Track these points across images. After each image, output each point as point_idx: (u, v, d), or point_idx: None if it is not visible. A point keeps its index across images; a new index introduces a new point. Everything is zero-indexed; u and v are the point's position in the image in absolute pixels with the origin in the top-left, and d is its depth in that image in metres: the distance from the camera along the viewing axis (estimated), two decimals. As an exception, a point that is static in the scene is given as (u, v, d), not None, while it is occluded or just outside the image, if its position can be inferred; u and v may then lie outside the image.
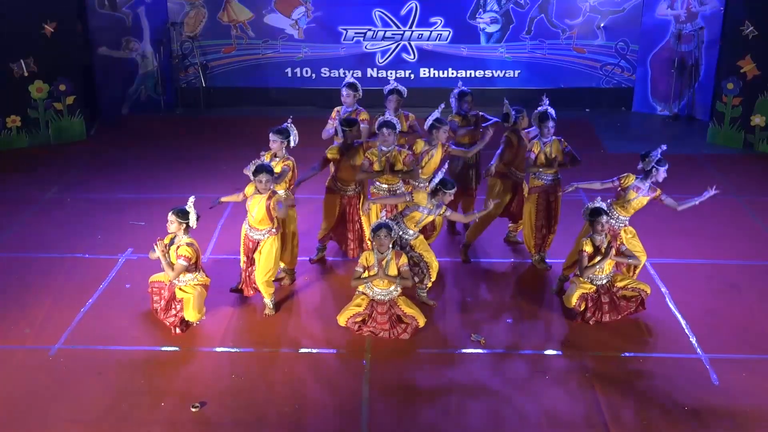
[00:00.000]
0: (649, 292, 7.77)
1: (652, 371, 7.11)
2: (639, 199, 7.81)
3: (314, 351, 7.39)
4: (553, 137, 8.40)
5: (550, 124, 8.32)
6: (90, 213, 10.22)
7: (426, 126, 8.47)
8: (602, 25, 14.20)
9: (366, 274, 7.34)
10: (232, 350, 7.40)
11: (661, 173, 7.76)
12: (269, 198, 7.46)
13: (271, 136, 8.00)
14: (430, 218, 7.85)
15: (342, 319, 7.50)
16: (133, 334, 7.59)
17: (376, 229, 7.26)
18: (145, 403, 6.62)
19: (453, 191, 7.70)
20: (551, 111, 8.38)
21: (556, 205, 8.65)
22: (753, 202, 10.57)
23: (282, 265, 8.25)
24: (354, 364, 7.17)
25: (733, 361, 7.21)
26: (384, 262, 7.28)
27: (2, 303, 8.05)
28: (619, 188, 7.87)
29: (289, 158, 8.09)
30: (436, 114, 8.45)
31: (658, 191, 7.85)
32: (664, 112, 14.41)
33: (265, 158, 8.06)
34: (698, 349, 7.38)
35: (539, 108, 8.45)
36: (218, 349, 7.40)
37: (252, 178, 7.49)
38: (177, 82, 14.62)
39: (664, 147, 7.78)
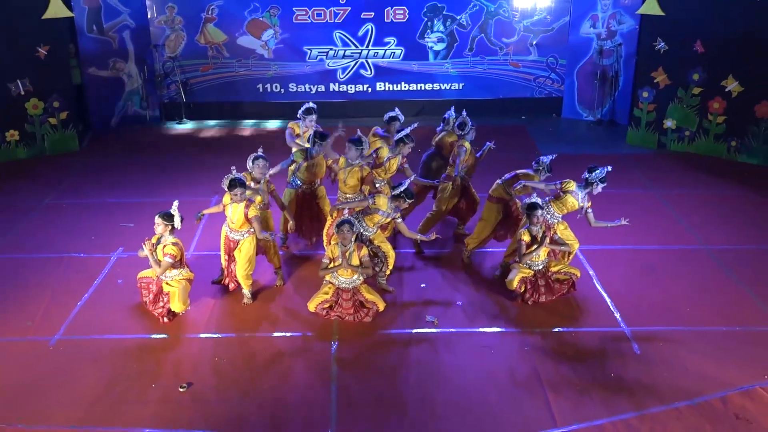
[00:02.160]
0: (578, 275, 7.88)
1: (582, 343, 7.21)
2: (573, 203, 7.86)
3: (288, 334, 7.38)
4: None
5: None
6: (84, 217, 10.08)
7: (394, 138, 8.53)
8: (534, 42, 14.33)
9: (331, 265, 7.36)
10: (215, 336, 7.36)
11: (599, 189, 7.81)
12: (246, 206, 7.49)
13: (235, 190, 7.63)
14: (388, 220, 7.89)
15: (312, 306, 7.50)
16: (126, 324, 7.52)
17: (339, 225, 7.27)
18: (138, 386, 6.57)
19: (412, 201, 7.89)
20: None
21: (518, 212, 8.50)
22: (666, 195, 10.74)
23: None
24: (323, 345, 7.18)
25: (651, 332, 7.34)
26: (347, 254, 7.30)
27: (6, 299, 7.93)
28: (560, 191, 7.93)
29: (258, 190, 7.99)
30: (407, 131, 8.56)
31: (590, 203, 7.90)
32: (589, 117, 14.58)
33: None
34: (622, 324, 7.50)
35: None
36: (202, 335, 7.36)
37: (227, 191, 7.51)
38: (160, 98, 14.47)
39: (609, 168, 7.81)
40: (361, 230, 7.69)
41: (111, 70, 13.95)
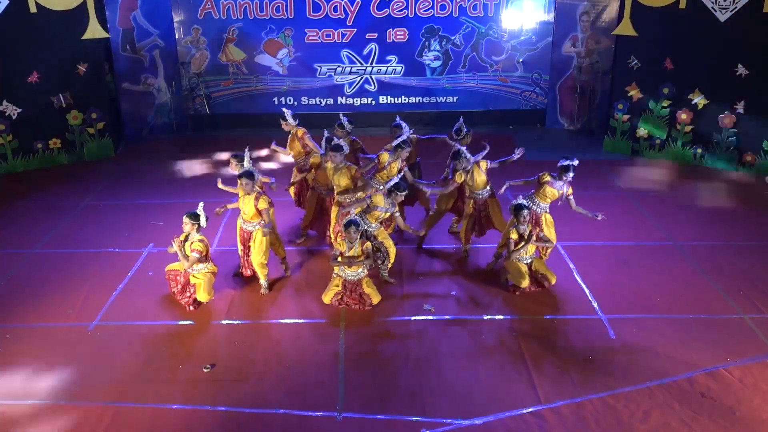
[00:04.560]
0: (553, 282, 7.79)
1: (564, 329, 7.22)
2: (553, 192, 7.90)
3: (300, 321, 7.39)
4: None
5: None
6: (118, 216, 10.09)
7: (394, 144, 8.53)
8: (521, 60, 14.30)
9: (341, 258, 7.33)
10: (236, 322, 7.38)
11: (569, 176, 7.85)
12: (256, 198, 7.51)
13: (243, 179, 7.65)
14: (387, 215, 7.88)
15: (327, 299, 7.47)
16: (156, 312, 7.54)
17: (347, 226, 7.25)
18: (167, 367, 6.60)
19: (404, 193, 7.78)
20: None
21: (494, 210, 8.44)
22: (639, 197, 10.71)
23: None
24: (332, 331, 7.19)
25: (625, 319, 7.34)
26: (353, 251, 7.29)
27: (50, 289, 7.95)
28: (537, 183, 7.96)
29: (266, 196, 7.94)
30: (404, 137, 8.55)
31: (570, 189, 7.93)
32: (570, 127, 14.55)
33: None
34: (599, 312, 7.49)
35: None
36: (224, 322, 7.37)
37: (238, 180, 7.59)
38: (186, 110, 14.46)
39: (576, 161, 7.86)
40: (365, 227, 7.70)
41: (142, 85, 13.94)
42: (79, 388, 6.28)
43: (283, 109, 9.47)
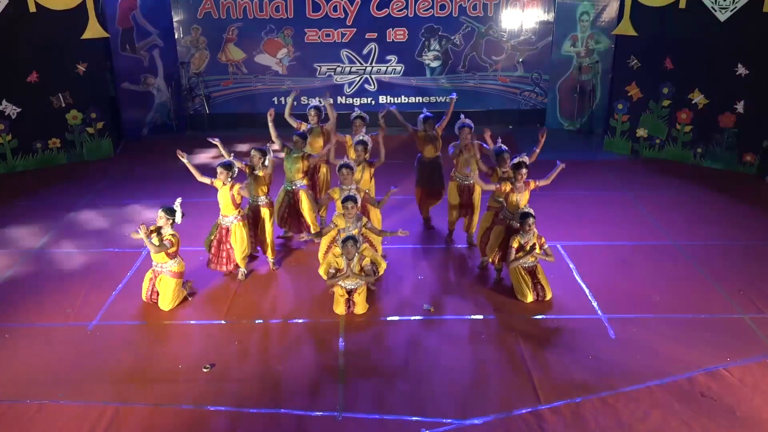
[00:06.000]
0: (548, 298, 7.64)
1: (564, 329, 7.21)
2: (520, 195, 7.68)
3: (300, 321, 7.38)
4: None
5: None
6: (117, 215, 10.09)
7: (351, 118, 8.71)
8: (521, 60, 14.30)
9: (338, 275, 7.26)
10: (235, 322, 7.37)
11: (524, 171, 7.63)
12: (231, 188, 7.57)
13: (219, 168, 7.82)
14: (356, 231, 7.40)
15: (340, 310, 7.36)
16: (155, 311, 7.52)
17: (344, 241, 7.16)
18: (167, 366, 6.59)
19: (349, 204, 7.30)
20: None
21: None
22: (639, 196, 10.70)
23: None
24: (332, 331, 7.18)
25: (625, 319, 7.33)
26: (351, 265, 7.25)
27: (49, 289, 7.95)
28: (504, 196, 7.76)
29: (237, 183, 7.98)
30: (360, 136, 8.58)
31: (531, 183, 7.70)
32: (570, 127, 14.55)
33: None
34: (599, 311, 7.49)
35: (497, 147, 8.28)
36: (224, 322, 7.37)
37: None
38: (186, 110, 14.46)
39: (525, 156, 7.76)
40: (341, 231, 7.45)
41: (142, 84, 13.94)
42: (79, 387, 6.27)
43: (324, 101, 9.37)
